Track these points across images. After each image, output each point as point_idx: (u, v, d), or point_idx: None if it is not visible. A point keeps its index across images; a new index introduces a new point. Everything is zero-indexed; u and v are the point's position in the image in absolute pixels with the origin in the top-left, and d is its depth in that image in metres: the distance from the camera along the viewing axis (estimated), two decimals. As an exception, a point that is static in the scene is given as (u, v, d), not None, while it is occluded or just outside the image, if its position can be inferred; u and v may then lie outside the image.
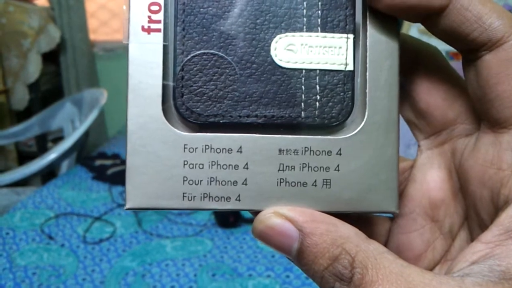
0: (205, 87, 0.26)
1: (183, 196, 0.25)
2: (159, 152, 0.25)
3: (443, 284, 0.22)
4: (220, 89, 0.26)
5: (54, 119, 2.53)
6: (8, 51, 2.66)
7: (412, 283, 0.22)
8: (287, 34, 0.26)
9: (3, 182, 1.99)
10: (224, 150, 0.26)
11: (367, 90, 0.26)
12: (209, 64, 0.26)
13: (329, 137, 0.26)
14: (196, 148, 0.25)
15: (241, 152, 0.26)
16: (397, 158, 0.26)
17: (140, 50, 0.26)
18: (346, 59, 0.26)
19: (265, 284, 1.24)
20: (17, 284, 1.27)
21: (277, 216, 0.25)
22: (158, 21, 0.26)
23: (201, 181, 0.25)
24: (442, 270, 0.28)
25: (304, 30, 0.26)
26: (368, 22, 0.26)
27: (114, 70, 3.04)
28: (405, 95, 0.29)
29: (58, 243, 1.46)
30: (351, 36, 0.26)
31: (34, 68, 2.69)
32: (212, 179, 0.25)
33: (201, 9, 0.26)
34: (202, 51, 0.26)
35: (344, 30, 0.26)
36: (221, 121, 0.26)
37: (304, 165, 0.26)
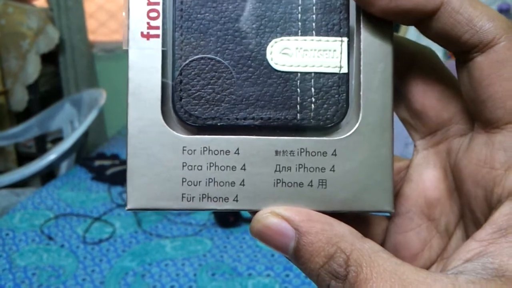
0: (203, 90, 0.26)
1: (182, 197, 0.26)
2: (159, 154, 0.26)
3: (437, 282, 0.22)
4: (217, 92, 0.26)
5: (53, 120, 2.53)
6: (7, 52, 2.66)
7: (406, 280, 0.22)
8: (282, 38, 0.27)
9: (3, 183, 1.99)
10: (222, 152, 0.26)
11: (361, 92, 0.26)
12: (207, 68, 0.26)
13: (324, 138, 0.26)
14: (194, 150, 0.26)
15: (238, 153, 0.26)
16: (392, 158, 0.27)
17: (140, 56, 0.26)
18: (340, 62, 0.27)
19: (265, 283, 1.24)
20: (17, 284, 1.27)
21: (274, 215, 0.25)
22: (157, 27, 0.26)
23: (199, 182, 0.26)
24: (438, 269, 0.29)
25: (299, 34, 0.27)
26: (362, 26, 0.26)
27: (113, 71, 3.04)
28: (401, 96, 0.29)
29: (57, 244, 1.46)
30: (345, 39, 0.27)
31: (33, 69, 2.69)
32: (210, 180, 0.26)
33: (199, 15, 0.27)
34: (199, 55, 0.26)
35: (338, 34, 0.27)
36: (218, 124, 0.27)
37: (300, 166, 0.26)
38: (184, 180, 0.26)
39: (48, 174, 2.42)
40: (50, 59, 2.91)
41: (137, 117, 0.26)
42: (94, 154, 2.24)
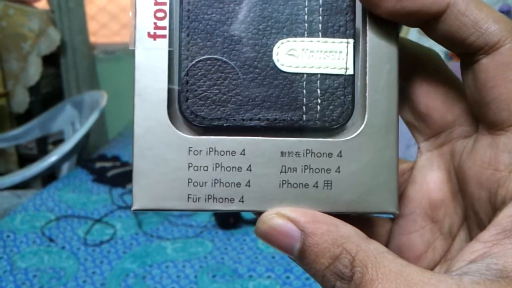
0: (209, 91, 0.27)
1: (188, 198, 0.26)
2: (165, 155, 0.26)
3: (441, 283, 0.22)
4: (223, 93, 0.27)
5: (54, 122, 2.53)
6: (8, 54, 2.66)
7: (411, 281, 0.22)
8: (288, 39, 0.27)
9: (4, 185, 1.99)
10: (227, 153, 0.26)
11: (367, 94, 0.26)
12: (213, 69, 0.27)
13: (330, 139, 0.26)
14: (200, 151, 0.26)
15: (244, 154, 0.26)
16: (397, 159, 0.27)
17: (146, 56, 0.26)
18: (346, 63, 0.27)
19: (266, 285, 1.24)
20: (18, 286, 1.27)
21: (279, 216, 0.25)
22: (164, 28, 0.26)
23: (205, 183, 0.26)
24: (442, 270, 0.29)
25: (305, 35, 0.27)
26: (368, 27, 0.27)
27: (114, 73, 3.05)
28: (405, 98, 0.29)
29: (58, 246, 1.46)
30: (351, 41, 0.27)
31: (34, 71, 2.69)
32: (216, 181, 0.26)
33: (205, 16, 0.27)
34: (206, 56, 0.27)
35: (344, 35, 0.27)
36: (224, 124, 0.27)
37: (306, 167, 0.26)
38: (190, 180, 0.26)
39: (49, 176, 2.41)
40: (51, 61, 2.91)
41: (143, 117, 0.26)
42: (95, 155, 2.24)
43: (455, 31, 0.25)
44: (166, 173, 0.26)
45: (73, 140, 2.12)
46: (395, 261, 0.23)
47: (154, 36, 0.26)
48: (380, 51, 0.27)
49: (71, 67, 2.99)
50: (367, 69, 0.27)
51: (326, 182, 0.26)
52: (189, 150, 0.26)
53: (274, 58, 0.27)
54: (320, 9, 0.27)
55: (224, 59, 0.27)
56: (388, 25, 0.26)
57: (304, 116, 0.27)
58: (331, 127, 0.27)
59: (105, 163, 2.09)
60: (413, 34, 1.85)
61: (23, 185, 2.08)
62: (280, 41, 0.27)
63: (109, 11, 3.17)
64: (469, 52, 0.25)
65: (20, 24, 2.66)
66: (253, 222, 1.53)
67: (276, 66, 0.27)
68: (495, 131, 0.25)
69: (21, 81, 2.69)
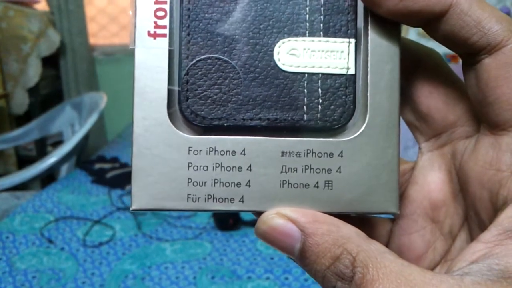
0: (209, 90, 0.26)
1: (188, 198, 0.26)
2: (164, 154, 0.26)
3: (443, 283, 0.22)
4: (224, 92, 0.26)
5: (53, 123, 2.53)
6: (8, 55, 2.66)
7: (413, 282, 0.22)
8: (290, 38, 0.27)
9: (3, 186, 1.99)
10: (228, 153, 0.26)
11: (368, 94, 0.26)
12: (214, 68, 0.26)
13: (331, 139, 0.26)
14: (200, 151, 0.26)
15: (244, 154, 0.26)
16: (398, 160, 0.27)
17: (146, 55, 0.26)
18: (347, 63, 0.27)
19: (264, 286, 1.24)
20: (17, 287, 1.27)
21: (279, 217, 0.25)
22: (164, 27, 0.26)
23: (205, 182, 0.26)
24: (442, 270, 0.29)
25: (307, 34, 0.27)
26: (369, 27, 0.26)
27: (114, 74, 3.05)
28: (406, 98, 0.29)
29: (57, 247, 1.46)
30: (352, 40, 0.27)
31: (33, 72, 2.69)
32: (216, 181, 0.26)
33: (206, 15, 0.27)
34: (206, 55, 0.26)
35: (346, 35, 0.27)
36: (225, 124, 0.27)
37: (307, 167, 0.26)
38: (189, 180, 0.26)
39: (48, 177, 2.41)
40: (51, 62, 2.91)
41: (143, 116, 0.26)
42: (94, 157, 2.24)
43: (457, 31, 0.25)
44: (165, 172, 0.26)
45: (72, 141, 2.12)
46: (396, 261, 0.23)
47: (154, 35, 0.26)
48: (382, 51, 0.26)
49: (70, 68, 2.99)
50: (369, 69, 0.26)
51: (327, 182, 0.26)
52: (189, 150, 0.26)
53: (275, 57, 0.27)
54: (322, 8, 0.27)
55: (225, 58, 0.26)
56: (390, 25, 0.26)
57: (305, 116, 0.27)
58: (332, 127, 0.27)
59: (104, 164, 2.09)
60: (412, 35, 1.85)
61: (22, 187, 2.08)
62: (281, 41, 0.27)
63: (109, 13, 3.18)
64: (472, 52, 0.25)
65: (19, 26, 2.66)
66: (252, 223, 1.53)
67: (277, 66, 0.27)
68: (497, 131, 0.25)
69: (21, 83, 2.69)
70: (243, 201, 0.26)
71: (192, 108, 0.26)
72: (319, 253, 0.24)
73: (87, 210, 1.68)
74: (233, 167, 0.26)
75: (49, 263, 1.39)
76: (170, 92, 0.26)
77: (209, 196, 0.26)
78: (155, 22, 0.26)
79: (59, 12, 2.88)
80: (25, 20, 2.67)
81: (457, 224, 0.29)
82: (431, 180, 0.29)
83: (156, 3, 0.26)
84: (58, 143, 2.57)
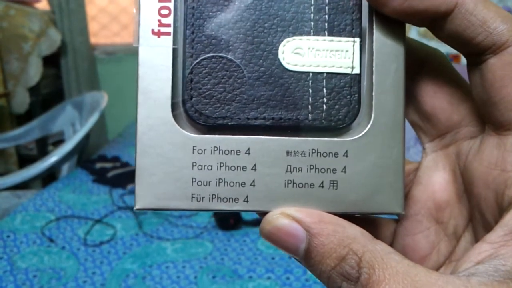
0: (213, 89, 0.26)
1: (192, 197, 0.26)
2: (168, 153, 0.26)
3: (449, 284, 0.22)
4: (228, 91, 0.26)
5: (54, 122, 2.53)
6: (9, 54, 2.66)
7: (419, 282, 0.22)
8: (294, 37, 0.27)
9: (4, 185, 1.99)
10: (232, 152, 0.26)
11: (373, 93, 0.26)
12: (218, 67, 0.26)
13: (335, 139, 0.26)
14: (204, 150, 0.26)
15: (249, 153, 0.26)
16: (403, 160, 0.26)
17: (150, 53, 0.26)
18: (352, 62, 0.27)
19: (265, 286, 1.24)
20: (18, 286, 1.27)
21: (284, 216, 0.25)
22: (168, 25, 0.26)
23: (209, 182, 0.26)
24: (446, 271, 0.29)
25: (311, 34, 0.27)
26: (374, 26, 0.26)
27: (115, 73, 3.05)
28: (411, 98, 0.29)
29: (58, 246, 1.46)
30: (357, 39, 0.27)
31: (34, 72, 2.69)
32: (220, 180, 0.26)
33: (210, 13, 0.26)
34: (211, 54, 0.26)
35: (350, 34, 0.27)
36: (229, 123, 0.26)
37: (311, 167, 0.26)
38: (194, 180, 0.26)
39: (49, 176, 2.41)
40: (52, 61, 2.91)
41: (146, 115, 0.26)
42: (95, 156, 2.24)
43: (462, 30, 0.24)
44: (169, 172, 0.26)
45: (73, 140, 2.12)
46: (402, 262, 0.23)
47: (158, 34, 0.26)
48: (387, 50, 0.26)
49: (71, 67, 2.99)
50: (374, 68, 0.26)
51: (332, 182, 0.26)
52: (193, 149, 0.26)
53: (280, 56, 0.26)
54: (326, 7, 0.27)
55: (229, 57, 0.26)
56: (395, 24, 0.26)
57: (309, 115, 0.27)
58: (337, 127, 0.27)
59: (105, 163, 2.09)
60: (413, 34, 1.85)
61: (23, 186, 2.08)
62: (286, 40, 0.26)
63: (110, 12, 3.18)
64: (477, 52, 0.25)
65: (20, 25, 2.66)
66: (253, 223, 1.53)
67: (281, 65, 0.26)
68: (502, 131, 0.25)
69: (22, 82, 2.69)
70: (247, 201, 0.26)
71: (196, 107, 0.26)
72: (324, 254, 0.24)
73: (88, 209, 1.68)
74: (237, 166, 0.26)
75: (50, 262, 1.39)
76: (173, 90, 0.26)
77: (214, 196, 0.26)
78: (159, 20, 0.26)
79: (60, 11, 2.88)
80: (26, 19, 2.67)
81: (461, 224, 0.29)
82: (436, 180, 0.29)
83: (160, 1, 0.26)
84: (59, 142, 2.58)
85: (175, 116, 0.26)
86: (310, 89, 0.26)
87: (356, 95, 0.27)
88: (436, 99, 0.29)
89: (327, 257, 0.24)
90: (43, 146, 2.74)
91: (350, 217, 0.25)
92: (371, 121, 0.26)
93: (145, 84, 0.26)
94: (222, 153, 0.26)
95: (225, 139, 0.26)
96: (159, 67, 0.26)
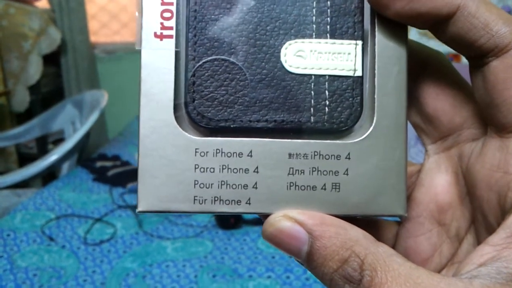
0: (216, 92, 0.26)
1: (194, 200, 0.26)
2: (171, 156, 0.26)
3: (451, 286, 0.22)
4: (230, 94, 0.26)
5: (54, 121, 2.53)
6: (9, 53, 2.66)
7: (421, 285, 0.22)
8: (296, 40, 0.27)
9: (4, 184, 1.99)
10: (234, 154, 0.26)
11: (375, 96, 0.26)
12: (220, 70, 0.26)
13: (338, 141, 0.26)
14: (207, 152, 0.26)
15: (251, 156, 0.26)
16: (405, 162, 0.27)
17: (153, 56, 0.26)
18: (354, 65, 0.27)
19: (266, 285, 1.24)
20: (18, 285, 1.27)
21: (287, 219, 0.25)
22: (171, 28, 0.26)
23: (212, 184, 0.26)
24: (448, 273, 0.29)
25: (314, 36, 0.27)
26: (376, 29, 0.26)
27: (115, 72, 3.05)
28: (413, 100, 0.29)
29: (58, 245, 1.46)
30: (359, 42, 0.27)
31: (34, 70, 2.69)
32: (223, 183, 0.26)
33: (212, 16, 0.26)
34: (213, 57, 0.26)
35: (352, 37, 0.27)
36: (231, 126, 0.26)
37: (314, 169, 0.26)
38: (196, 182, 0.26)
39: (49, 175, 2.41)
40: (51, 60, 2.91)
41: (149, 117, 0.26)
42: (96, 155, 2.24)
43: (465, 33, 0.24)
44: (172, 174, 0.26)
45: (73, 139, 2.12)
46: (405, 264, 0.23)
47: (161, 36, 0.26)
48: (389, 52, 0.26)
49: (71, 66, 2.99)
50: (376, 71, 0.26)
51: (334, 184, 0.26)
52: (196, 152, 0.26)
53: (282, 59, 0.26)
54: (329, 10, 0.27)
55: (231, 60, 0.26)
56: (397, 27, 0.26)
57: (312, 117, 0.27)
58: (339, 129, 0.27)
59: (105, 162, 2.09)
60: (413, 33, 1.85)
61: (23, 184, 2.07)
62: (288, 42, 0.27)
63: (110, 11, 3.18)
64: (479, 54, 0.25)
65: (20, 23, 2.66)
66: (253, 222, 1.53)
67: (284, 67, 0.26)
68: (505, 133, 0.25)
69: (22, 80, 2.69)
70: (250, 203, 0.26)
71: (199, 110, 0.26)
72: (326, 256, 0.24)
73: (88, 208, 1.68)
74: (240, 169, 0.26)
75: (50, 261, 1.39)
76: (176, 92, 0.26)
77: (216, 198, 0.26)
78: (161, 23, 0.26)
79: (60, 10, 2.88)
80: (26, 17, 2.67)
81: (463, 227, 0.29)
82: (438, 182, 0.29)
83: (162, 4, 0.26)
84: (59, 141, 2.58)
85: (177, 118, 0.26)
86: (312, 92, 0.27)
87: (358, 98, 0.27)
88: (438, 101, 0.29)
89: (329, 259, 0.24)
90: (43, 144, 2.74)
91: (352, 219, 0.25)
92: (373, 124, 0.26)
93: (148, 87, 0.26)
94: (225, 156, 0.26)
95: (227, 141, 0.26)
96: (161, 70, 0.26)
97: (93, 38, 3.11)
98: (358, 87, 0.27)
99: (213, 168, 0.26)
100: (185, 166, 0.26)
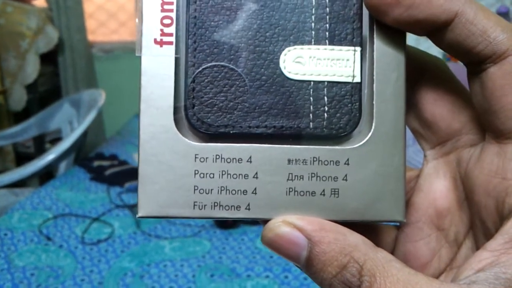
0: (215, 98, 0.26)
1: (194, 205, 0.26)
2: (171, 161, 0.26)
3: None
4: (230, 100, 0.26)
5: (52, 120, 2.52)
6: (6, 51, 2.66)
7: None
8: (295, 47, 0.27)
9: (1, 183, 1.98)
10: (234, 160, 0.26)
11: (374, 102, 0.26)
12: (220, 76, 0.26)
13: (337, 147, 0.26)
14: (206, 158, 0.26)
15: (251, 162, 0.26)
16: (404, 168, 0.27)
17: (153, 62, 0.26)
18: (353, 71, 0.27)
19: (264, 285, 1.24)
20: (16, 285, 1.27)
21: (286, 224, 0.25)
22: (170, 34, 0.26)
23: (211, 190, 0.26)
24: (447, 278, 0.29)
25: (312, 43, 0.27)
26: (375, 35, 0.26)
27: (112, 71, 3.05)
28: (411, 106, 0.29)
29: (56, 244, 1.46)
30: (358, 48, 0.27)
31: (32, 69, 2.69)
32: (222, 188, 0.26)
33: (212, 23, 0.27)
34: (213, 63, 0.26)
35: (351, 43, 0.27)
36: (231, 132, 0.27)
37: (313, 175, 0.26)
38: (196, 188, 0.26)
39: (46, 174, 2.41)
40: (49, 59, 2.91)
41: (149, 123, 0.26)
42: (93, 154, 2.24)
43: (463, 40, 0.25)
44: (172, 180, 0.26)
45: (71, 138, 2.12)
46: (403, 270, 0.23)
47: (161, 43, 0.26)
48: (387, 59, 0.26)
49: (69, 65, 2.98)
50: (374, 77, 0.26)
51: (333, 190, 0.26)
52: (195, 157, 0.26)
53: (281, 65, 0.27)
54: (327, 17, 0.27)
55: (231, 66, 0.26)
56: (395, 33, 0.26)
57: (311, 123, 0.27)
58: (338, 135, 0.27)
59: (103, 161, 2.09)
60: (411, 36, 1.85)
61: (21, 183, 2.07)
62: (287, 49, 0.27)
63: (107, 10, 3.17)
64: (477, 61, 0.25)
65: (18, 22, 2.65)
66: (251, 222, 1.53)
67: (283, 74, 0.27)
68: (503, 139, 0.25)
69: (19, 79, 2.69)
70: (249, 209, 0.26)
71: (198, 116, 0.26)
72: (325, 262, 0.24)
73: (86, 208, 1.68)
74: (239, 174, 0.26)
75: (47, 260, 1.39)
76: (176, 99, 0.26)
77: (216, 204, 0.26)
78: (161, 30, 0.26)
79: (58, 9, 2.87)
80: (23, 16, 2.66)
81: (462, 232, 0.29)
82: (436, 188, 0.29)
83: (162, 11, 0.26)
84: (56, 140, 2.57)
85: (177, 124, 0.26)
86: (311, 98, 0.27)
87: (357, 104, 0.27)
88: (437, 106, 0.29)
89: (328, 265, 0.24)
90: (41, 144, 2.74)
91: (351, 224, 0.25)
92: (372, 130, 0.26)
93: (148, 93, 0.26)
94: (224, 161, 0.26)
95: (227, 147, 0.26)
96: (161, 76, 0.26)
97: (90, 37, 3.10)
98: (357, 93, 0.27)
99: (213, 174, 0.26)
100: (185, 171, 0.26)
